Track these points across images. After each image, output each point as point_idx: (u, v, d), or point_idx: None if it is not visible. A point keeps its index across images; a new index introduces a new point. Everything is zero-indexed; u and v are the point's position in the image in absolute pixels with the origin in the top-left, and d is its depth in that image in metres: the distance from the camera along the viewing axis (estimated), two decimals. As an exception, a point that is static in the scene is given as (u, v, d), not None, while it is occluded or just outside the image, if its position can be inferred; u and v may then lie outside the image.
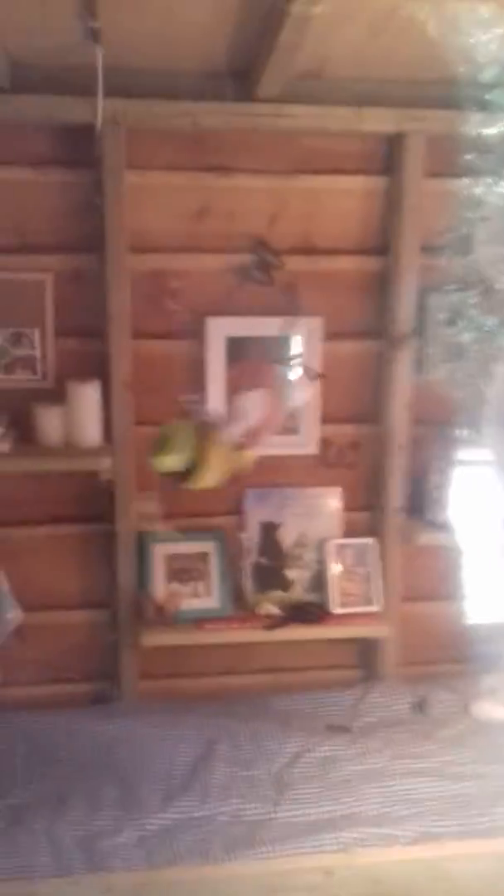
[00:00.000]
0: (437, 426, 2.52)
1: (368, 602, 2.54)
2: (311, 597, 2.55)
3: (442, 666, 2.70)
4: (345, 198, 2.41)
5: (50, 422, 2.27)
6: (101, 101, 2.06)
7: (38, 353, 2.34)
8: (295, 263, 2.39)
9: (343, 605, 2.51)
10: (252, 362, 2.35)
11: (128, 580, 2.47)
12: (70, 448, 2.28)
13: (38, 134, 2.25)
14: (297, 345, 2.47)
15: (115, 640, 2.52)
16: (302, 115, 2.23)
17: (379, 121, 2.28)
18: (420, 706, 2.53)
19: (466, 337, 2.45)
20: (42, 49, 2.08)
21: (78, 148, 2.22)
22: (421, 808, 2.08)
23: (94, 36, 1.92)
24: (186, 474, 1.90)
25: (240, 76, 2.20)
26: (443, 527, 2.50)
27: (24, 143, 2.25)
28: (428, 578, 2.66)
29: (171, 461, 1.88)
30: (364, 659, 2.71)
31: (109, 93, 2.06)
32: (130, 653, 2.51)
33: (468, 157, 2.34)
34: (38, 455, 2.25)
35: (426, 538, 2.51)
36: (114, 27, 1.90)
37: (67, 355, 2.36)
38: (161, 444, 1.89)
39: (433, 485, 2.52)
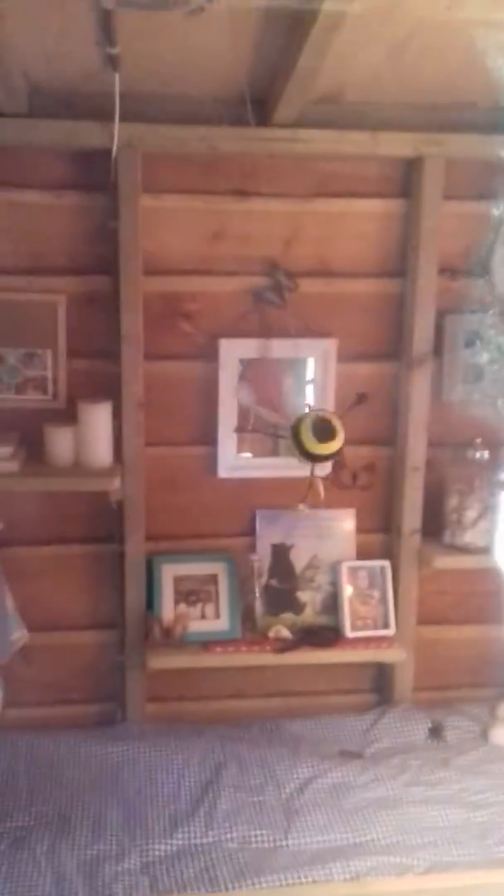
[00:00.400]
0: (453, 448, 2.50)
1: (382, 625, 2.51)
2: (323, 619, 2.52)
3: (458, 691, 2.67)
4: (362, 221, 2.42)
5: (60, 442, 2.26)
6: (117, 126, 2.08)
7: (49, 373, 2.34)
8: (310, 286, 2.39)
9: (356, 628, 2.48)
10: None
11: (136, 601, 2.46)
12: (80, 468, 2.27)
13: (55, 158, 2.28)
14: (311, 366, 2.47)
15: (121, 662, 2.50)
16: (319, 140, 2.24)
17: (397, 145, 2.30)
18: (435, 732, 2.49)
19: (484, 358, 2.44)
20: (60, 75, 2.12)
21: (94, 172, 2.24)
22: (435, 837, 2.04)
23: (113, 62, 1.95)
24: (336, 453, 2.18)
25: (256, 101, 2.22)
26: (460, 550, 2.48)
27: (41, 167, 2.28)
28: (443, 602, 2.63)
29: (338, 443, 2.15)
30: (378, 683, 2.67)
31: (126, 117, 2.09)
32: (137, 675, 2.49)
33: (487, 179, 2.36)
34: (47, 475, 2.24)
35: (442, 561, 2.48)
36: (132, 53, 1.92)
37: (79, 376, 2.36)
38: (325, 432, 2.14)
39: (450, 507, 2.50)
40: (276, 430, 2.40)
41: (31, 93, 2.15)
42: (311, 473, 2.23)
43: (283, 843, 2.03)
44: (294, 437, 2.19)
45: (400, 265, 2.45)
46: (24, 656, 2.42)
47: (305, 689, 2.62)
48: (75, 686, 2.55)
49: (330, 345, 2.43)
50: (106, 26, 1.83)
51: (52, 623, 2.48)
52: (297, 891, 1.89)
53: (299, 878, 1.91)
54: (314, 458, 2.19)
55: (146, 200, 2.28)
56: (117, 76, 1.99)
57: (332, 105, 2.26)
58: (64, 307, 2.32)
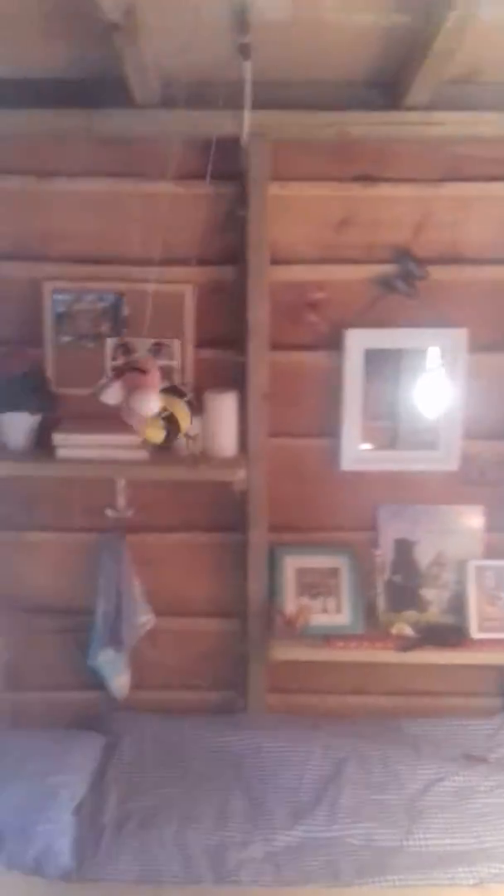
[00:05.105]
0: None
1: (511, 628, 2.42)
2: (448, 619, 2.45)
3: None
4: (496, 205, 2.32)
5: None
6: (247, 115, 2.07)
7: (177, 363, 2.38)
8: (441, 273, 2.32)
9: (483, 629, 2.39)
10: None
11: (258, 591, 2.47)
12: (205, 458, 2.30)
13: (185, 148, 2.28)
14: (434, 356, 2.40)
15: (244, 651, 2.52)
16: (452, 122, 2.16)
17: (535, 125, 2.18)
18: None
19: None
20: (191, 64, 2.12)
21: (223, 161, 2.24)
22: None
23: (244, 51, 1.94)
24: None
25: (387, 84, 2.16)
26: None
27: (171, 157, 2.29)
28: None
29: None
30: (504, 687, 2.59)
31: (255, 105, 2.07)
32: (259, 665, 2.50)
33: None
34: (174, 464, 2.28)
35: None
36: (263, 41, 1.91)
37: (205, 366, 2.38)
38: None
39: None
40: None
41: (163, 83, 2.17)
42: None
43: (406, 843, 2.00)
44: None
45: (537, 251, 2.34)
46: (151, 640, 2.48)
47: (427, 688, 2.56)
48: (198, 672, 2.60)
49: (459, 334, 2.34)
50: (240, 15, 1.83)
51: (176, 609, 2.54)
52: (422, 892, 1.86)
53: (423, 879, 1.88)
54: None
55: (274, 188, 2.27)
56: (249, 64, 1.99)
57: (467, 85, 2.17)
58: (191, 297, 2.34)
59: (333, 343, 2.36)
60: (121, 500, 2.45)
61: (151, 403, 1.97)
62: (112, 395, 1.97)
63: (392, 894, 1.86)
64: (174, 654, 2.57)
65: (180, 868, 1.90)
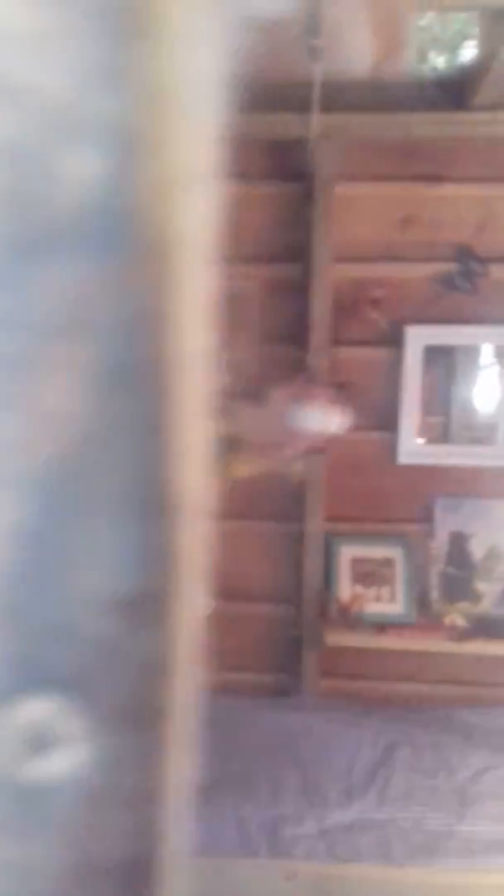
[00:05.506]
0: None
1: None
2: (501, 611, 2.49)
3: None
4: None
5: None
6: (316, 117, 2.12)
7: (241, 358, 2.45)
8: (502, 272, 2.35)
9: (536, 622, 2.43)
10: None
11: (313, 579, 2.54)
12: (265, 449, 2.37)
13: (251, 149, 2.35)
14: (486, 353, 2.43)
15: (298, 637, 2.59)
16: (520, 121, 2.18)
17: None
18: None
19: None
20: (261, 67, 2.18)
21: (289, 161, 2.30)
22: None
23: (315, 54, 1.98)
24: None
25: (454, 84, 2.19)
26: None
27: (238, 158, 2.35)
28: None
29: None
30: None
31: (322, 106, 2.12)
32: (313, 650, 2.57)
33: None
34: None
35: None
36: (331, 42, 1.95)
37: (268, 361, 2.44)
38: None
39: None
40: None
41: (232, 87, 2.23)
42: None
43: (457, 828, 2.05)
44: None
45: None
46: (208, 623, 2.56)
47: (479, 678, 2.60)
48: (253, 655, 2.68)
49: (518, 332, 2.38)
50: (312, 18, 1.87)
51: (232, 593, 2.60)
52: (474, 877, 1.92)
53: (474, 864, 1.93)
54: None
55: (339, 188, 2.31)
56: (319, 67, 2.03)
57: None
58: (256, 294, 2.41)
59: (393, 339, 2.41)
60: (182, 488, 2.54)
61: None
62: (321, 419, 1.92)
63: (443, 878, 1.92)
64: (230, 638, 2.65)
65: (237, 840, 1.99)
